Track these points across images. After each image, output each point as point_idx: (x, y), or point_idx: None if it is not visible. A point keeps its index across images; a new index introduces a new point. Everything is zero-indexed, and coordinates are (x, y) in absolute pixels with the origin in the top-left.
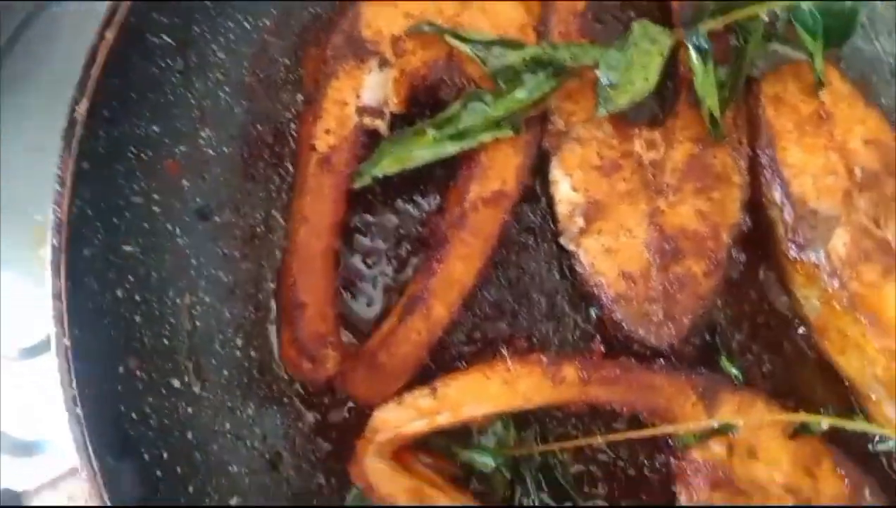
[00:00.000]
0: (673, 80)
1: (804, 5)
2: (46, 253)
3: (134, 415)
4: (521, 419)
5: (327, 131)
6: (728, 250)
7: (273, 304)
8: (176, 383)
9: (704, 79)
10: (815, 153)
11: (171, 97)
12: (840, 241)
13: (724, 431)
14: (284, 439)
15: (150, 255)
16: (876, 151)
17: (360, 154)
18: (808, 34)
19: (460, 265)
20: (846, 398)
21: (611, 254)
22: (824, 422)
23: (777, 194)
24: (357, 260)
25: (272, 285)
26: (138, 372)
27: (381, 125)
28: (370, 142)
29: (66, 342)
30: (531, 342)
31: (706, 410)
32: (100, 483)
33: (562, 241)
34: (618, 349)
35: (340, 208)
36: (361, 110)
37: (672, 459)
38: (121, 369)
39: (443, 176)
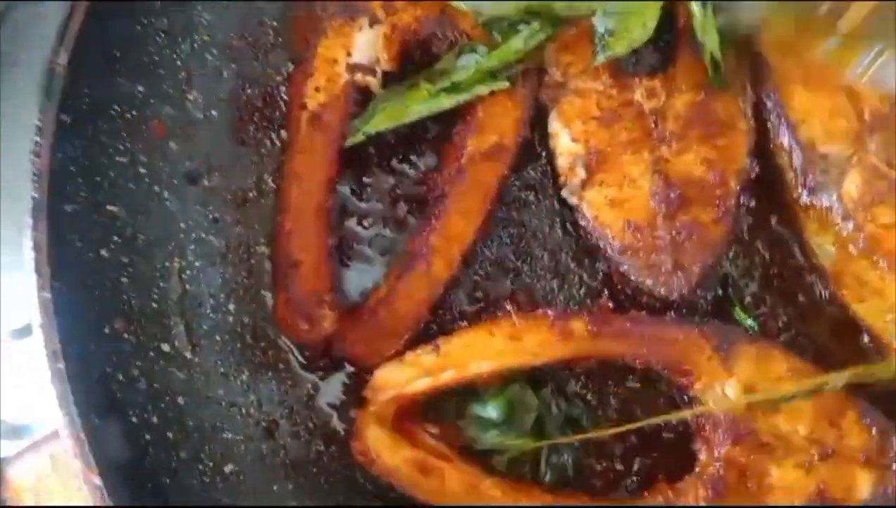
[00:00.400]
0: (672, 29)
1: None
2: (26, 205)
3: (121, 377)
4: (535, 381)
5: (318, 89)
6: (737, 197)
7: (267, 268)
8: (166, 347)
9: (704, 22)
10: (822, 95)
11: (156, 57)
12: (852, 183)
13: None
14: (281, 406)
15: (136, 216)
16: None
17: (353, 112)
18: None
19: (460, 220)
20: (865, 349)
21: (615, 205)
22: (843, 378)
23: (785, 139)
24: (354, 223)
25: (266, 250)
26: (126, 335)
27: (372, 82)
28: (363, 100)
29: (46, 294)
30: (535, 300)
31: (722, 363)
32: (83, 440)
33: (564, 194)
34: (627, 305)
35: (333, 165)
36: (352, 68)
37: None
38: (106, 329)
39: (439, 134)
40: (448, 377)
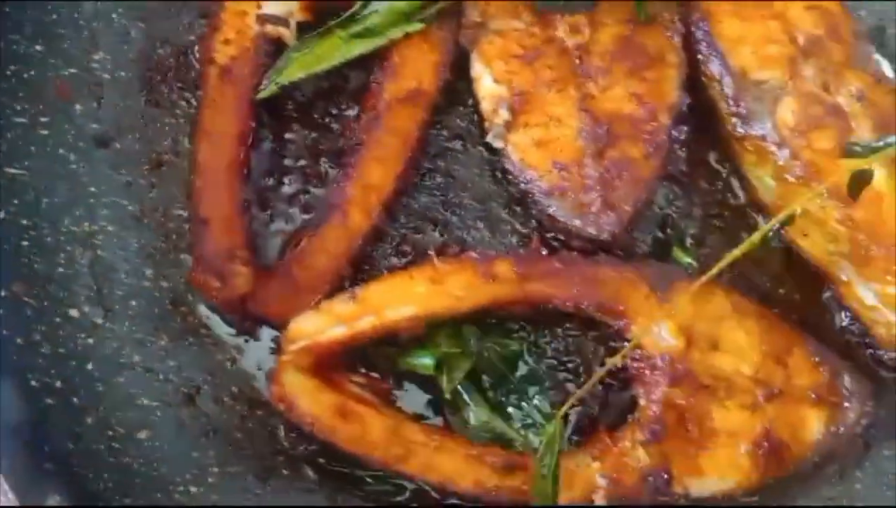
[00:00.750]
0: None
1: None
2: None
3: (20, 340)
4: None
5: (226, 42)
6: (668, 132)
7: (186, 231)
8: (74, 312)
9: None
10: (753, 22)
11: (54, 16)
12: (788, 110)
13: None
14: (202, 371)
15: (39, 180)
16: (818, 15)
17: (265, 64)
18: None
19: (378, 168)
20: (814, 289)
21: (541, 146)
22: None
23: (715, 68)
24: (273, 180)
25: (184, 213)
26: (25, 298)
27: (285, 33)
28: (277, 52)
29: None
30: (465, 250)
31: (659, 302)
32: None
33: (488, 139)
34: (559, 251)
35: (245, 120)
36: (262, 19)
37: (628, 360)
38: (3, 292)
39: (359, 86)
40: (366, 324)
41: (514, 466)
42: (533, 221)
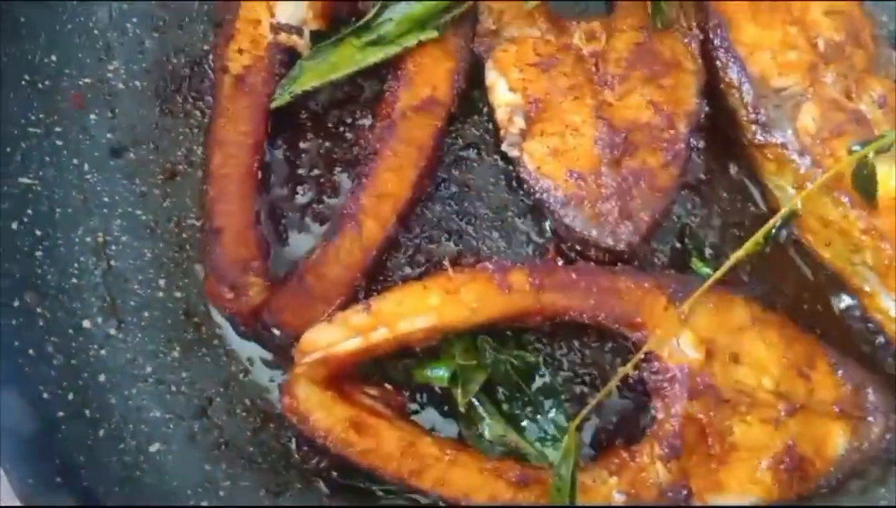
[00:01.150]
0: None
1: None
2: None
3: (31, 352)
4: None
5: (240, 51)
6: (686, 140)
7: (200, 243)
8: (86, 324)
9: None
10: (772, 28)
11: (69, 26)
12: (809, 116)
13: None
14: (215, 383)
15: (53, 190)
16: (839, 20)
17: (279, 73)
18: None
19: (392, 177)
20: (836, 300)
21: (557, 155)
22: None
23: (734, 75)
24: (287, 190)
25: (198, 223)
26: (38, 309)
27: (299, 42)
28: (291, 61)
29: None
30: (480, 260)
31: (678, 314)
32: None
33: (504, 148)
34: (576, 261)
35: (259, 130)
36: (276, 28)
37: (647, 373)
38: (16, 302)
39: (373, 94)
40: (380, 336)
41: (530, 480)
42: (549, 231)
